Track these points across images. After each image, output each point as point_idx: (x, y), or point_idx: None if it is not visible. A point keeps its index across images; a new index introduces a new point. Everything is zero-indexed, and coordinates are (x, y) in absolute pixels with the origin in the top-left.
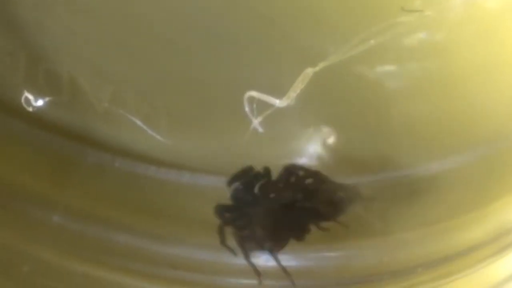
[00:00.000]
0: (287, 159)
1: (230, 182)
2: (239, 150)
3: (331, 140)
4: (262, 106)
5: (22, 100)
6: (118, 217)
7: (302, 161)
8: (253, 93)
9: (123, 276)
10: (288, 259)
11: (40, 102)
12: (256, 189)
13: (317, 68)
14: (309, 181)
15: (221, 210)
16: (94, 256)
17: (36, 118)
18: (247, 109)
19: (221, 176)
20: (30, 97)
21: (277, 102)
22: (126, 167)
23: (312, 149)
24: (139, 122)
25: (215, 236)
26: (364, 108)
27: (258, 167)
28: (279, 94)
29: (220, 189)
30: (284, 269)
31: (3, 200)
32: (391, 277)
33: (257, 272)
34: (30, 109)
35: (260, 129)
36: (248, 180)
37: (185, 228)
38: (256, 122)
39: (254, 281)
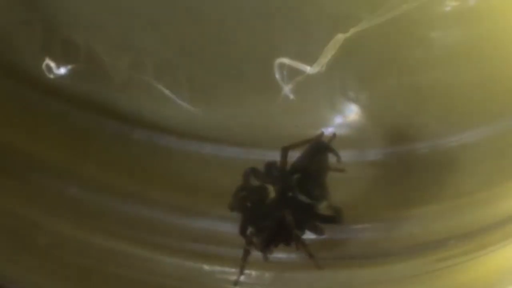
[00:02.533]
0: (316, 129)
1: (284, 149)
2: (264, 121)
3: (362, 108)
4: (292, 74)
5: (39, 65)
6: (137, 189)
7: (332, 130)
8: (284, 60)
9: (142, 249)
10: None
11: (57, 68)
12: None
13: (348, 34)
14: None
15: (251, 173)
16: (113, 229)
17: (53, 88)
18: (277, 76)
19: (244, 147)
20: (47, 63)
21: (308, 69)
22: (145, 138)
23: (342, 117)
24: (159, 92)
25: None
26: (396, 76)
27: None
28: (310, 61)
29: (243, 161)
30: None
31: (20, 171)
32: (422, 250)
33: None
34: (51, 76)
35: (291, 96)
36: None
37: (206, 201)
38: (287, 88)
39: (279, 255)
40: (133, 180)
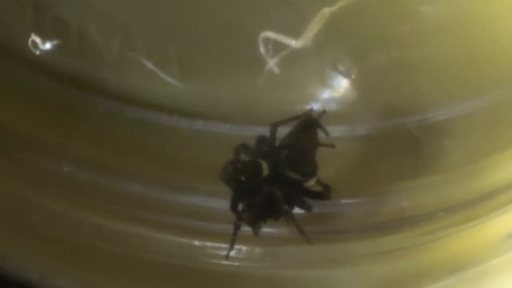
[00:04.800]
0: (305, 104)
1: (273, 125)
2: (253, 96)
3: (351, 83)
4: (277, 48)
5: (30, 43)
6: (129, 166)
7: (319, 106)
8: (269, 34)
9: (134, 226)
10: None
11: (47, 46)
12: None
13: (334, 8)
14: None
15: (241, 149)
16: (105, 206)
17: (44, 67)
18: (262, 50)
19: (234, 123)
20: (38, 41)
21: (293, 43)
22: (137, 115)
23: (331, 92)
24: (150, 69)
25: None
26: (385, 50)
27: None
28: (296, 35)
29: (233, 137)
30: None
31: (12, 151)
32: (412, 223)
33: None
34: (37, 52)
35: (276, 70)
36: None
37: (197, 177)
38: (272, 63)
39: (269, 230)
40: (124, 157)
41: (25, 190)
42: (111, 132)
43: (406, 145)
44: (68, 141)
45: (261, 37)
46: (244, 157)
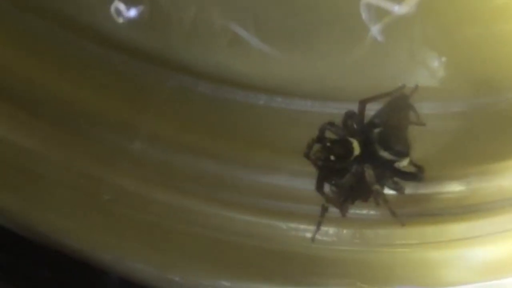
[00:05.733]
0: (396, 80)
1: (362, 102)
2: (340, 72)
3: (445, 58)
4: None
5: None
6: (202, 144)
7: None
8: (371, 1)
9: (209, 205)
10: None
11: (119, 23)
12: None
13: None
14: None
15: (328, 127)
16: (178, 185)
17: (115, 41)
18: (364, 15)
19: (318, 100)
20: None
21: (396, 9)
22: (210, 91)
23: (424, 68)
24: (225, 43)
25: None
26: (477, 23)
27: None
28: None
29: (317, 115)
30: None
31: (83, 128)
32: None
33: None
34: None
35: (379, 38)
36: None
37: (278, 156)
38: (374, 29)
39: (358, 211)
40: (199, 135)
41: (96, 168)
42: (183, 109)
43: (502, 122)
44: (139, 118)
45: (362, 3)
46: (330, 135)
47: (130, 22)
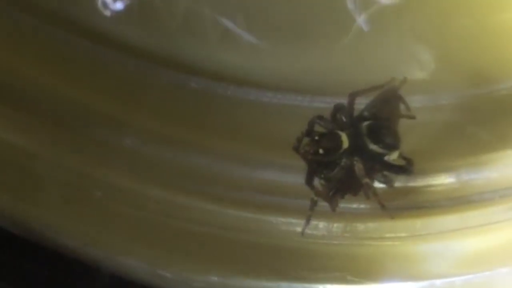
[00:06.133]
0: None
1: (352, 95)
2: (329, 65)
3: (434, 50)
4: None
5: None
6: (195, 140)
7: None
8: None
9: (202, 201)
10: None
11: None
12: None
13: None
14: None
15: (316, 120)
16: (171, 181)
17: (106, 36)
18: (349, 5)
19: (307, 95)
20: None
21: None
22: (203, 87)
23: (413, 60)
24: (216, 38)
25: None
26: (466, 13)
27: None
28: None
29: (306, 109)
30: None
31: (74, 124)
32: (503, 196)
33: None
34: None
35: (365, 27)
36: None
37: (268, 150)
38: (360, 19)
39: (348, 205)
40: (190, 131)
41: (88, 165)
42: (175, 105)
43: (493, 114)
44: (131, 114)
45: None
46: (319, 129)
47: (120, 17)
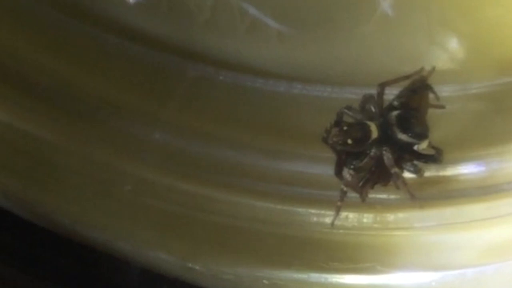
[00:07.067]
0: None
1: (381, 85)
2: (358, 56)
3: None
4: None
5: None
6: (224, 133)
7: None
8: None
9: (230, 194)
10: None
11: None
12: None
13: None
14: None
15: (345, 111)
16: (200, 174)
17: (134, 31)
18: None
19: (335, 85)
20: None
21: None
22: (231, 80)
23: (442, 50)
24: (243, 31)
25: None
26: (500, 5)
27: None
28: None
29: (335, 100)
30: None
31: (103, 118)
32: None
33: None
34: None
35: (390, 12)
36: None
37: (297, 142)
38: (385, 3)
39: (377, 195)
40: (219, 124)
41: (118, 158)
42: (203, 98)
43: None
44: (159, 108)
45: None
46: (348, 120)
47: (148, 11)
